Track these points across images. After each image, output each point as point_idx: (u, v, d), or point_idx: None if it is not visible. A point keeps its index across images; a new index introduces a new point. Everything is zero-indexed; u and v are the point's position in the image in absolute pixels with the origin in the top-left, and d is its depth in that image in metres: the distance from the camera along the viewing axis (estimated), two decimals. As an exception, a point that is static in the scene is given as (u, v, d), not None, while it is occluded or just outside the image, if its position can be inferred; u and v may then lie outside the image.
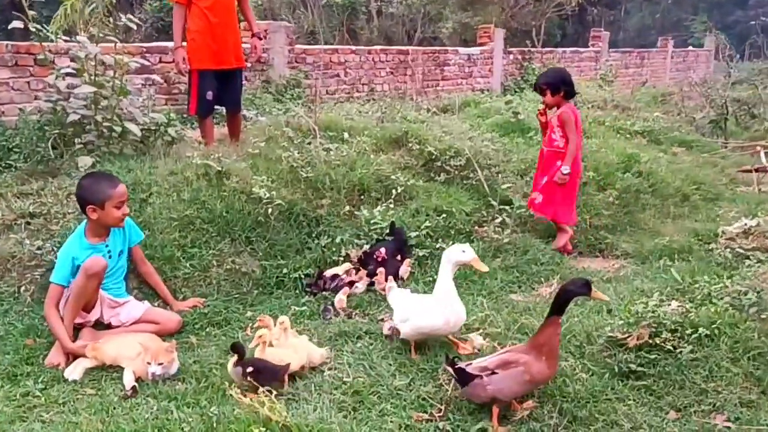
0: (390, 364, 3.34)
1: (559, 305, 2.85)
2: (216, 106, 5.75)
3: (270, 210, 4.45)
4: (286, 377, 3.08)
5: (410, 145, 5.82)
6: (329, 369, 3.32)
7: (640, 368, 3.04)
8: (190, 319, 3.90)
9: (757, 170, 5.80)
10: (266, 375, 3.01)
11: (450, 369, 2.88)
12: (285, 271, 4.32)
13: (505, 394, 2.78)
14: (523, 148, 6.73)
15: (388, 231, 4.54)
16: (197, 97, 5.48)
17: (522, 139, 7.18)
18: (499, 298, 4.21)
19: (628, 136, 8.65)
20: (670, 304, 3.79)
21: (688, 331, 3.14)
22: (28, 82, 6.26)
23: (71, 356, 3.47)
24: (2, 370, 3.37)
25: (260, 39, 5.92)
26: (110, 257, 3.80)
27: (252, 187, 4.57)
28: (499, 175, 5.80)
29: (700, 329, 3.10)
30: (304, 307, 4.07)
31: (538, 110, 5.25)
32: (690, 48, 22.98)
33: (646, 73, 19.09)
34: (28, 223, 4.30)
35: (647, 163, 6.90)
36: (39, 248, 4.06)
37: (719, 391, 2.82)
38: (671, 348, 3.05)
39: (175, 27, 5.40)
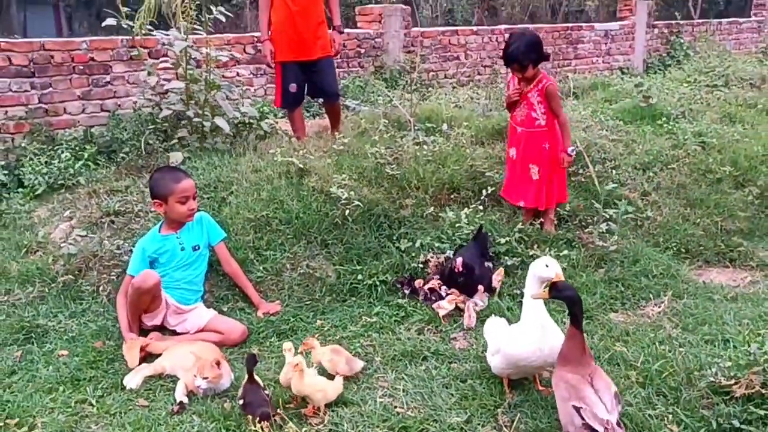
0: (451, 395, 3.00)
1: (573, 316, 2.62)
2: (312, 98, 5.58)
3: (348, 211, 4.20)
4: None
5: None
6: (383, 395, 3.03)
7: (745, 426, 2.47)
8: (255, 327, 3.74)
9: None
10: (254, 407, 2.80)
11: None
12: (360, 277, 4.05)
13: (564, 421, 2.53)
14: (650, 138, 5.99)
15: (473, 235, 4.14)
16: (281, 89, 5.33)
17: (651, 127, 6.40)
18: (594, 317, 3.69)
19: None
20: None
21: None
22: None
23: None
24: (68, 373, 3.38)
25: (340, 33, 5.63)
26: (183, 249, 3.80)
27: (331, 187, 4.34)
28: (614, 171, 5.17)
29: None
30: (375, 319, 3.79)
31: (516, 89, 4.41)
32: None
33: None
34: (112, 222, 4.35)
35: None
36: (118, 247, 4.08)
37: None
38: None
39: (261, 18, 5.27)
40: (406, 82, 8.53)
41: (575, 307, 2.60)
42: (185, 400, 3.09)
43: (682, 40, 12.94)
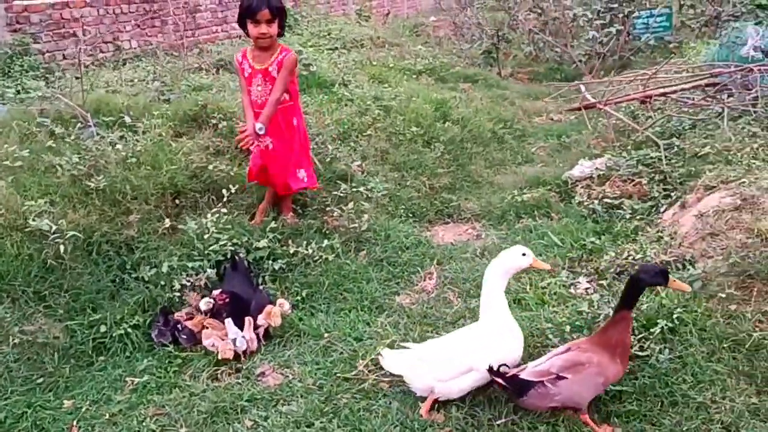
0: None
1: (629, 297, 2.43)
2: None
3: (62, 247, 3.17)
4: None
5: (214, 122, 4.69)
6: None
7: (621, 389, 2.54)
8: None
9: (586, 107, 5.66)
10: None
11: (500, 379, 2.38)
12: (102, 329, 3.13)
13: (576, 401, 2.41)
14: (334, 107, 5.91)
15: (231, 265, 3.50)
16: None
17: (325, 96, 6.32)
18: (386, 305, 3.47)
19: (414, 77, 8.24)
20: (579, 282, 3.42)
21: (643, 323, 2.72)
22: None
23: None
24: None
25: None
26: None
27: (27, 218, 3.23)
28: (327, 145, 4.94)
29: (659, 321, 2.67)
30: (146, 377, 2.96)
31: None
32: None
33: (387, 4, 19.07)
34: None
35: (458, 108, 6.53)
36: None
37: (716, 401, 2.40)
38: (640, 352, 2.59)
39: None
40: (23, 68, 7.02)
41: (640, 290, 2.46)
42: None
43: (288, 6, 13.25)
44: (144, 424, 2.67)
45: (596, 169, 4.64)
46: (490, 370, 2.44)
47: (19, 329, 3.01)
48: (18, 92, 5.78)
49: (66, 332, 3.09)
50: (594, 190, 4.45)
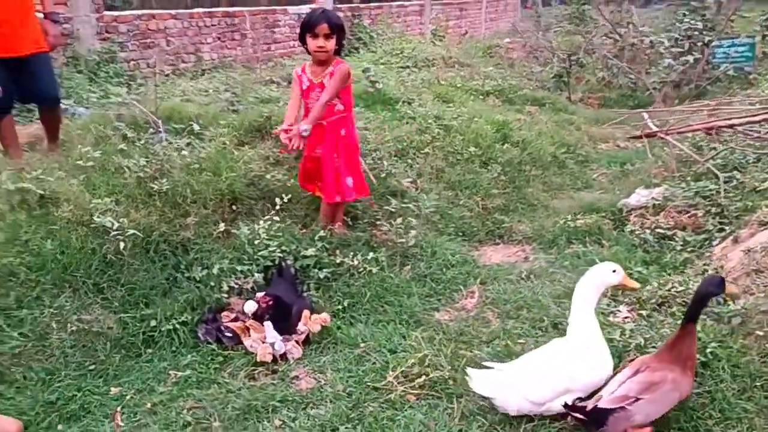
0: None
1: (696, 310, 2.48)
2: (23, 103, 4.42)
3: (123, 244, 3.39)
4: None
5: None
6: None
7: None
8: (31, 416, 2.81)
9: (647, 136, 5.59)
10: None
11: (579, 414, 2.38)
12: (153, 323, 3.31)
13: (650, 419, 2.41)
14: (394, 124, 6.03)
15: (277, 271, 3.67)
16: (-19, 95, 4.13)
17: (388, 113, 6.46)
18: (424, 321, 3.53)
19: (481, 97, 8.28)
20: (619, 311, 3.39)
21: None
22: None
23: None
24: None
25: (56, 22, 4.54)
26: None
27: (92, 215, 3.46)
28: (381, 161, 5.06)
29: (692, 354, 2.63)
30: (188, 371, 3.13)
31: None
32: (500, -3, 23.47)
33: (465, 25, 19.18)
34: None
35: (520, 130, 6.54)
36: None
37: (742, 439, 2.36)
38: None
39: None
40: (108, 74, 7.45)
41: (705, 302, 2.53)
42: None
43: (364, 23, 13.54)
44: (181, 415, 2.82)
45: (652, 198, 4.57)
46: (567, 406, 2.45)
47: (77, 318, 3.22)
48: (101, 97, 6.14)
49: (119, 324, 3.29)
50: (648, 219, 4.39)
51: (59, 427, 2.81)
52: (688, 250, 3.89)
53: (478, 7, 20.34)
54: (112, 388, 3.03)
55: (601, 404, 2.40)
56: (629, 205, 4.78)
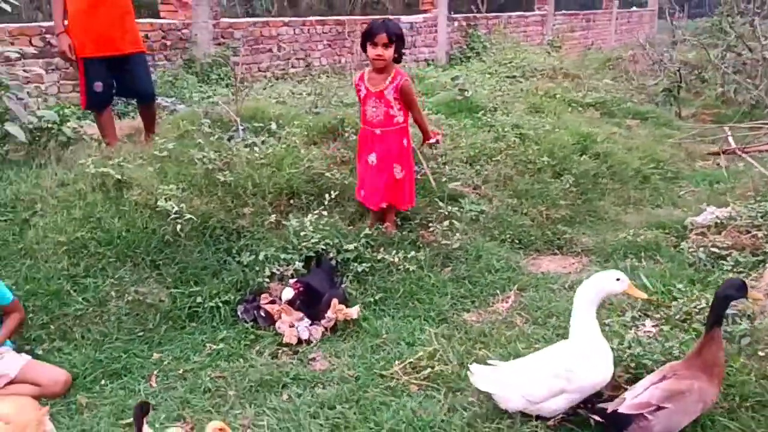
0: (321, 426, 2.77)
1: (718, 314, 2.47)
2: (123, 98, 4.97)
3: (179, 226, 3.77)
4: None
5: (347, 135, 5.15)
6: (247, 435, 2.72)
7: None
8: (80, 370, 3.22)
9: (725, 152, 5.35)
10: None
11: (597, 417, 2.45)
12: (199, 299, 3.66)
13: (672, 429, 2.42)
14: (472, 132, 6.13)
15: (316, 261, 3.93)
16: (85, 89, 4.67)
17: (470, 120, 6.57)
18: (450, 320, 3.64)
19: (580, 109, 8.15)
20: (644, 324, 3.33)
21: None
22: None
23: None
24: None
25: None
26: None
27: (157, 199, 3.87)
28: (446, 166, 5.19)
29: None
30: (222, 345, 3.43)
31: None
32: (634, 8, 22.64)
33: (592, 36, 18.70)
34: None
35: (603, 143, 6.42)
36: None
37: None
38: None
39: (54, 6, 4.54)
40: (219, 76, 8.07)
41: (726, 305, 2.53)
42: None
43: (479, 33, 13.62)
44: (203, 381, 3.12)
45: (716, 217, 4.39)
46: (586, 407, 2.51)
47: (134, 289, 3.62)
48: (203, 98, 6.70)
49: (170, 297, 3.66)
50: (707, 238, 4.23)
51: (102, 381, 3.19)
52: (738, 270, 3.73)
53: (607, 18, 19.77)
54: (154, 354, 3.40)
55: (622, 409, 2.41)
56: (696, 223, 4.61)
